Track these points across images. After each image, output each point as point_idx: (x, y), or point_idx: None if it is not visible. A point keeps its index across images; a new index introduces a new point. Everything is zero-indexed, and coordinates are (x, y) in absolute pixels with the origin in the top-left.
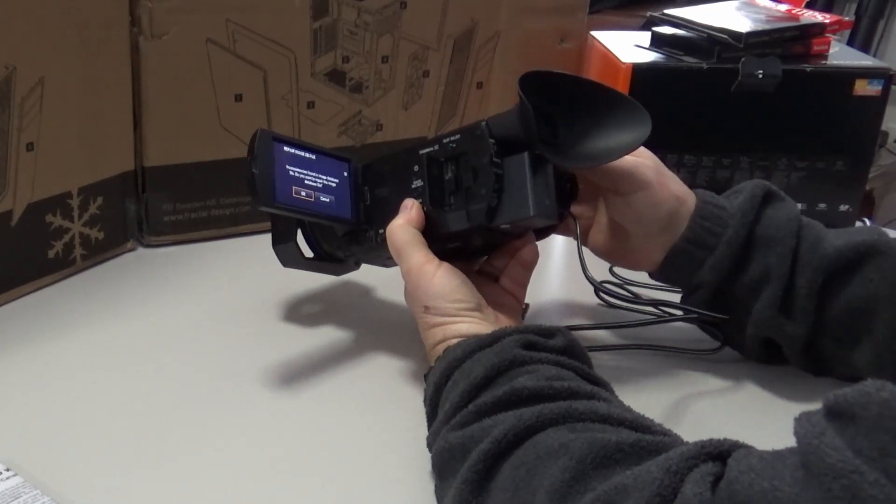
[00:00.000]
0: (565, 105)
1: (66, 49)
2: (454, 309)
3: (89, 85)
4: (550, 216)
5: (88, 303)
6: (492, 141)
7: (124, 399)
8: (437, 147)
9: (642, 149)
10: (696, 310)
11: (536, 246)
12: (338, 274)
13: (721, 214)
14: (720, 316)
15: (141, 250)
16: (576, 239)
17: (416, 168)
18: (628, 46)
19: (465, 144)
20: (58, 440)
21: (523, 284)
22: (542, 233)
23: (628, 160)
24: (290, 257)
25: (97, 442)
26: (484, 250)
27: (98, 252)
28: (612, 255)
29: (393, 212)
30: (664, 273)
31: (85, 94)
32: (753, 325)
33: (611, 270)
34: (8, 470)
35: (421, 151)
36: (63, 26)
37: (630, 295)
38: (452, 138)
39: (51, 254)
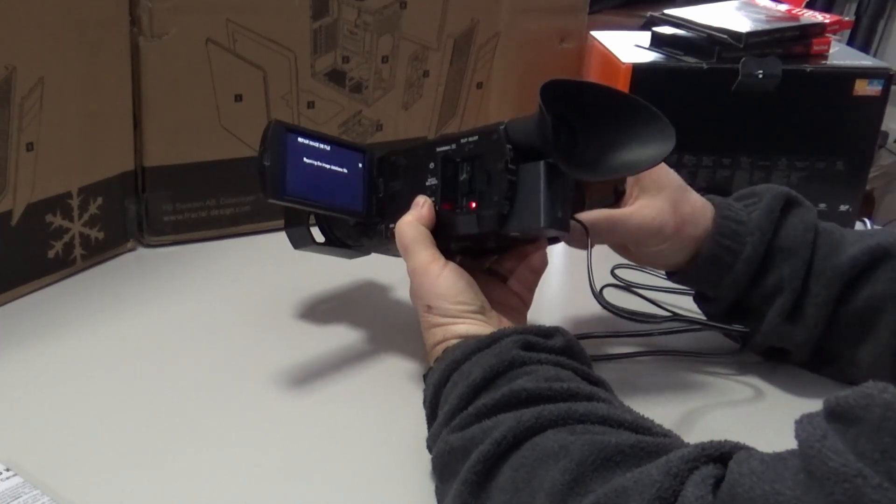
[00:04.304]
0: (589, 114)
1: (66, 49)
2: (457, 310)
3: (89, 85)
4: (562, 227)
5: (88, 303)
6: (509, 147)
7: (124, 399)
8: (454, 146)
9: (674, 181)
10: (717, 324)
11: (546, 253)
12: (348, 258)
13: (739, 230)
14: (740, 329)
15: (141, 250)
16: (587, 251)
17: (431, 165)
18: (628, 46)
19: (482, 147)
20: (58, 440)
21: (531, 288)
22: (553, 239)
23: (650, 217)
24: (300, 240)
25: (97, 442)
26: (495, 251)
27: (98, 252)
28: (626, 256)
29: (406, 207)
30: (681, 281)
31: (85, 94)
32: (761, 335)
33: (612, 273)
34: (8, 470)
35: (438, 149)
36: (63, 26)
37: (639, 300)
38: (470, 139)
39: (51, 254)
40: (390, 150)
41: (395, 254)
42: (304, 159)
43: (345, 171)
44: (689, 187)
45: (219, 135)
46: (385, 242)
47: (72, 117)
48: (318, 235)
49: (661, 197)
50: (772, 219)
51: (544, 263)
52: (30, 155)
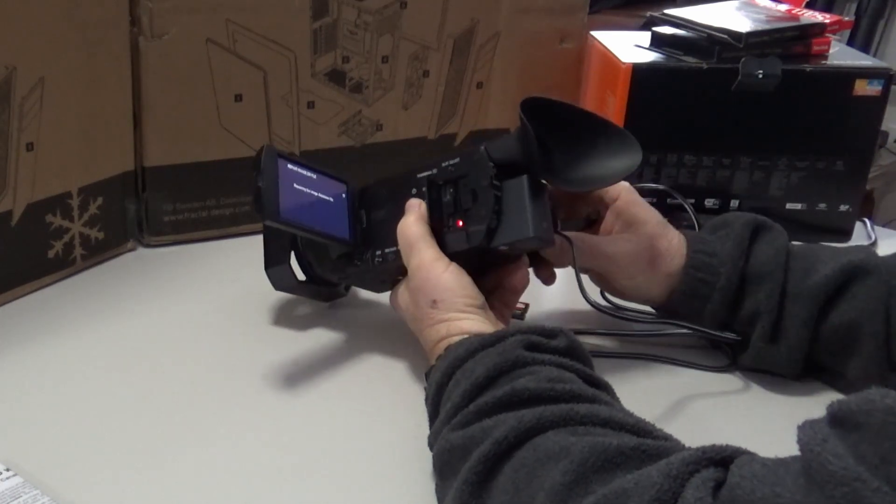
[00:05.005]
0: (560, 130)
1: (66, 49)
2: (462, 304)
3: (89, 85)
4: (548, 238)
5: (88, 303)
6: (491, 164)
7: (124, 399)
8: (435, 171)
9: (654, 217)
10: (709, 331)
11: (528, 273)
12: (327, 300)
13: (712, 262)
14: (732, 336)
15: (141, 250)
16: (573, 265)
17: (413, 191)
18: (628, 46)
19: (465, 167)
20: (58, 440)
21: (510, 306)
22: (533, 256)
23: (625, 247)
24: (282, 280)
25: (97, 442)
26: (475, 274)
27: (98, 252)
28: (606, 289)
29: (390, 234)
30: (666, 315)
31: (85, 94)
32: (750, 359)
33: None
34: (8, 470)
35: (419, 175)
36: (63, 26)
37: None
38: (451, 162)
39: (51, 254)
40: (370, 182)
41: (378, 287)
42: (295, 185)
43: (331, 199)
44: (668, 224)
45: (219, 135)
46: (372, 270)
47: (72, 117)
48: (298, 274)
49: (640, 231)
50: (742, 248)
51: (525, 282)
52: (30, 155)
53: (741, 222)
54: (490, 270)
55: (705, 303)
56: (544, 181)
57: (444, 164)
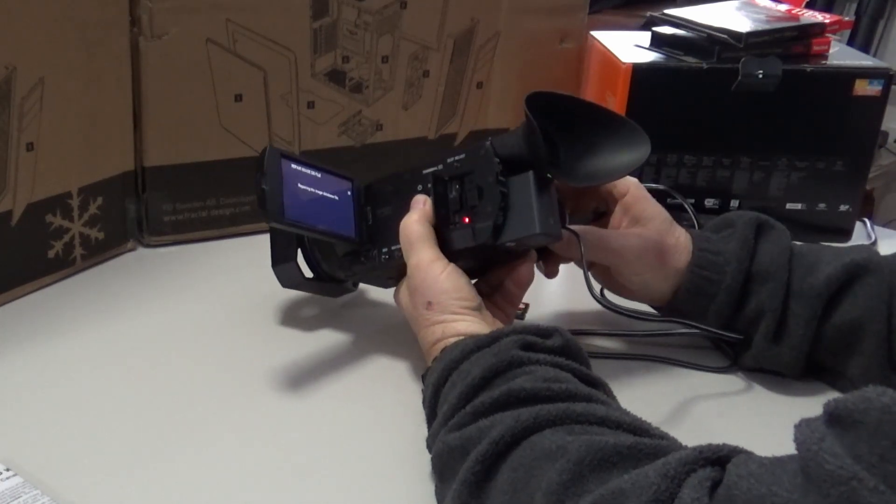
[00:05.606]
0: (565, 125)
1: (66, 49)
2: (457, 306)
3: (89, 85)
4: (555, 234)
5: (88, 303)
6: (497, 160)
7: (124, 399)
8: (441, 166)
9: (661, 214)
10: (712, 329)
11: (533, 268)
12: (335, 296)
13: (717, 261)
14: (735, 336)
15: (141, 250)
16: (580, 260)
17: (419, 187)
18: (628, 46)
19: (470, 164)
20: (58, 440)
21: (514, 303)
22: (541, 250)
23: (634, 241)
24: (290, 277)
25: (97, 442)
26: (480, 272)
27: (98, 252)
28: (612, 288)
29: (396, 231)
30: (670, 314)
31: (85, 94)
32: (752, 358)
33: None
34: (8, 470)
35: (424, 171)
36: (63, 26)
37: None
38: (457, 157)
39: (51, 254)
40: (375, 179)
41: (385, 283)
42: (299, 185)
43: (336, 198)
44: (674, 221)
45: (219, 135)
46: (378, 267)
47: (72, 117)
48: (305, 271)
49: (648, 227)
50: (747, 247)
51: (530, 278)
52: (30, 155)
53: (744, 221)
54: (494, 267)
55: (710, 301)
56: (550, 176)
57: (449, 160)
